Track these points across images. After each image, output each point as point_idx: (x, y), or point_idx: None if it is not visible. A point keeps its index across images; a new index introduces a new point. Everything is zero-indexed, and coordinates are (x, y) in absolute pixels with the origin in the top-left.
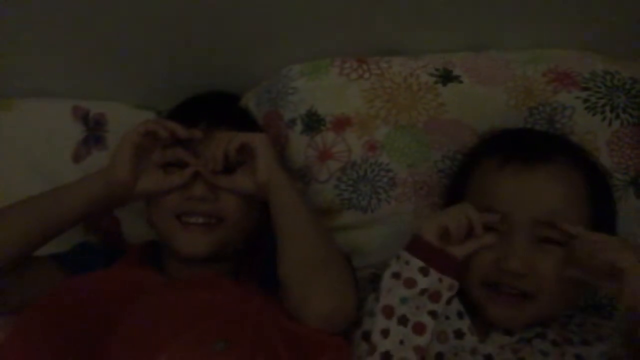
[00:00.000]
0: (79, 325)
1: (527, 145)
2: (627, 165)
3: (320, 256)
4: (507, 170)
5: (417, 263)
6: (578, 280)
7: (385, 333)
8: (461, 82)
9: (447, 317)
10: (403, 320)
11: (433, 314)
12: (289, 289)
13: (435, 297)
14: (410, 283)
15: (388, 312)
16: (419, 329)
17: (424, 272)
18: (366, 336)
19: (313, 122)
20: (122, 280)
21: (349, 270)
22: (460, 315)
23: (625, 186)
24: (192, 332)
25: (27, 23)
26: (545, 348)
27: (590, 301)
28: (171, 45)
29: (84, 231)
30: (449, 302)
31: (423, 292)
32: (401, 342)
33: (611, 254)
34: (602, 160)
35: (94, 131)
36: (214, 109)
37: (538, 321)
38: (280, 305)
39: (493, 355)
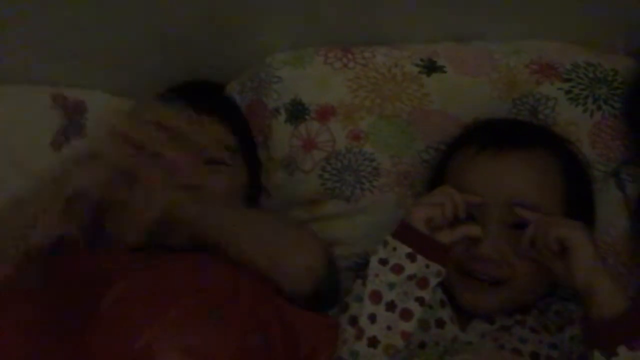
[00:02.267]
0: (57, 305)
1: (503, 133)
2: (607, 156)
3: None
4: (481, 156)
5: (405, 249)
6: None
7: (372, 318)
8: (445, 72)
9: (430, 307)
10: (391, 306)
11: (420, 300)
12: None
13: (422, 283)
14: (397, 269)
15: (376, 297)
16: (406, 315)
17: (411, 258)
18: (353, 321)
19: (297, 112)
20: (100, 261)
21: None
22: (442, 304)
23: (605, 177)
24: (186, 302)
25: (5, 8)
26: (525, 335)
27: (572, 290)
28: (152, 32)
29: None
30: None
31: (410, 278)
32: (388, 327)
33: (562, 230)
34: (584, 152)
35: (73, 119)
36: (199, 97)
37: (514, 307)
38: (271, 283)
39: (473, 343)
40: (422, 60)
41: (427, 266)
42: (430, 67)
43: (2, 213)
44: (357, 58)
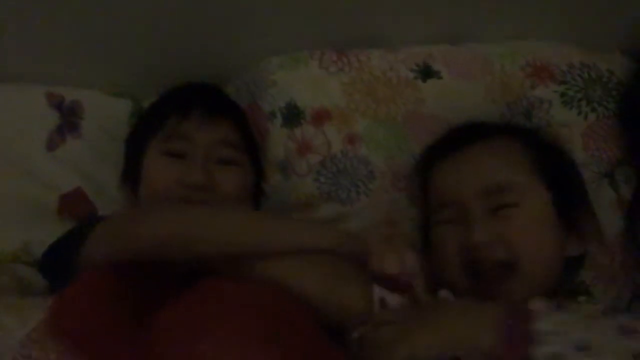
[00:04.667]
0: (136, 296)
1: (455, 136)
2: (601, 157)
3: None
4: (444, 163)
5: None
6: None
7: None
8: (441, 77)
9: None
10: None
11: None
12: None
13: None
14: None
15: None
16: None
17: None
18: None
19: (292, 115)
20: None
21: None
22: None
23: (599, 177)
24: (248, 321)
25: (1, 7)
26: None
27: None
28: (149, 33)
29: (58, 216)
30: None
31: None
32: None
33: None
34: (577, 153)
35: (68, 118)
36: (206, 96)
37: (541, 290)
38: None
39: None
40: (417, 65)
41: None
42: (426, 72)
43: None
44: (352, 62)
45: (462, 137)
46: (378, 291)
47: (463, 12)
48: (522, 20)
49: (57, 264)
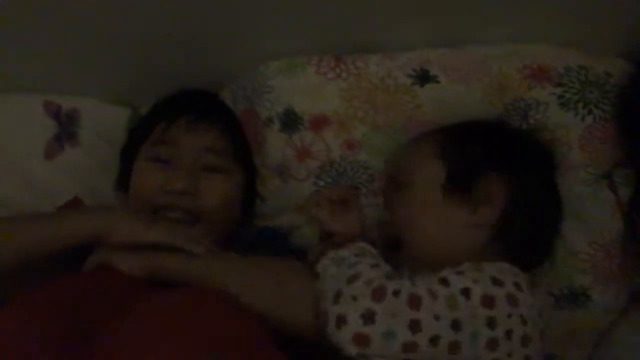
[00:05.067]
0: (73, 318)
1: None
2: (598, 159)
3: None
4: None
5: None
6: None
7: None
8: (438, 82)
9: None
10: None
11: None
12: None
13: None
14: None
15: None
16: None
17: None
18: None
19: (291, 121)
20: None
21: None
22: None
23: (597, 180)
24: (185, 340)
25: None
26: None
27: (567, 291)
28: (146, 40)
29: None
30: None
31: None
32: None
33: None
34: (574, 155)
35: (66, 127)
36: (196, 103)
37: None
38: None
39: None
40: (414, 70)
41: None
42: (424, 78)
43: None
44: (350, 68)
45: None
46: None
47: (460, 15)
48: (519, 22)
49: None
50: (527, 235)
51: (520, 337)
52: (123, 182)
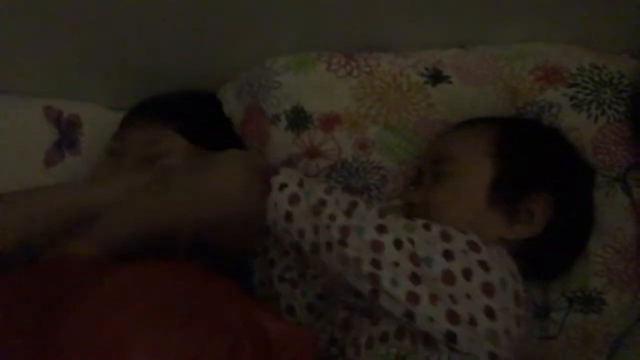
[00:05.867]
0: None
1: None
2: (612, 161)
3: None
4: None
5: None
6: None
7: None
8: (451, 82)
9: None
10: None
11: None
12: None
13: None
14: None
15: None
16: None
17: None
18: None
19: (299, 119)
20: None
21: None
22: None
23: (611, 182)
24: (153, 298)
25: None
26: None
27: (580, 294)
28: (148, 42)
29: None
30: None
31: None
32: None
33: None
34: (587, 157)
35: (67, 134)
36: (154, 100)
37: None
38: (243, 291)
39: None
40: (427, 69)
41: None
42: (436, 77)
43: None
44: (362, 66)
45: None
46: None
47: (472, 15)
48: (531, 23)
49: None
50: (553, 255)
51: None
52: None
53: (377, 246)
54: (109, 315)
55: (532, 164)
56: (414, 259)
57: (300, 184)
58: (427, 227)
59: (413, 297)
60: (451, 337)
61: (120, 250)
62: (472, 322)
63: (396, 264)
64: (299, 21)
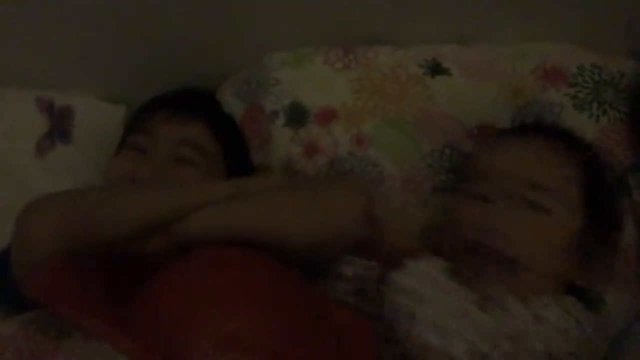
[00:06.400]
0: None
1: (526, 125)
2: (613, 162)
3: None
4: (504, 139)
5: None
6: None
7: None
8: (450, 74)
9: None
10: None
11: None
12: None
13: None
14: None
15: None
16: None
17: None
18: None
19: (297, 115)
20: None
21: None
22: None
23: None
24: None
25: None
26: None
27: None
28: (143, 34)
29: None
30: None
31: None
32: None
33: None
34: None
35: (59, 124)
36: (180, 97)
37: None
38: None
39: None
40: (426, 61)
41: None
42: (435, 69)
43: None
44: (360, 58)
45: (525, 128)
46: None
47: (472, 13)
48: (531, 21)
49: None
50: None
51: None
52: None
53: None
54: (185, 287)
55: (617, 212)
56: None
57: None
58: None
59: None
60: None
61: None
62: None
63: None
64: (297, 17)
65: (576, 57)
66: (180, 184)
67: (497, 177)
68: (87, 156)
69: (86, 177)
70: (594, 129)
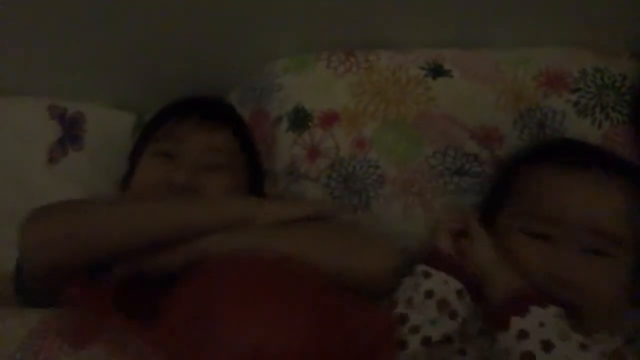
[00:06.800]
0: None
1: (587, 154)
2: None
3: None
4: (559, 174)
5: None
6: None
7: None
8: (452, 76)
9: None
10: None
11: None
12: None
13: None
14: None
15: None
16: None
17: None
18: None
19: (300, 119)
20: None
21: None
22: None
23: None
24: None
25: (4, 19)
26: None
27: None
28: (151, 44)
29: None
30: None
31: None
32: None
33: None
34: None
35: (70, 131)
36: (205, 104)
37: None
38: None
39: None
40: (427, 63)
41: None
42: (437, 71)
43: None
44: (361, 62)
45: (582, 156)
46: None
47: (473, 17)
48: (532, 25)
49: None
50: None
51: None
52: (127, 180)
53: None
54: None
55: None
56: None
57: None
58: None
59: None
60: None
61: None
62: None
63: None
64: (300, 24)
65: (578, 60)
66: (214, 199)
67: (564, 220)
68: (98, 163)
69: (97, 183)
70: (597, 134)
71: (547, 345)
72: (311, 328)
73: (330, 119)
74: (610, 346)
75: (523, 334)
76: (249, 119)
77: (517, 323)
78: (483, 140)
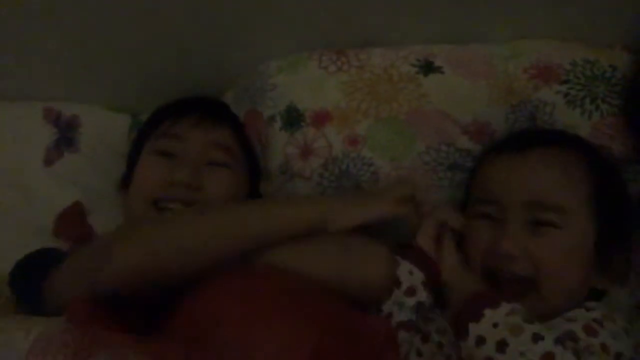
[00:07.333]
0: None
1: (521, 135)
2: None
3: None
4: (500, 157)
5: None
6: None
7: None
8: (443, 72)
9: None
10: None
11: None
12: None
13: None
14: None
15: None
16: None
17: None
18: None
19: (292, 118)
20: None
21: None
22: None
23: None
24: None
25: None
26: None
27: None
28: (146, 45)
29: (52, 238)
30: None
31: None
32: None
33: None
34: None
35: (66, 133)
36: (203, 102)
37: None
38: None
39: None
40: (418, 60)
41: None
42: (428, 67)
43: None
44: (352, 60)
45: (522, 139)
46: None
47: (464, 12)
48: (522, 18)
49: (29, 286)
50: None
51: None
52: (126, 180)
53: None
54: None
55: (626, 218)
56: None
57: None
58: None
59: None
60: None
61: None
62: None
63: None
64: (292, 23)
65: (568, 53)
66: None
67: (503, 198)
68: (93, 164)
69: (93, 185)
70: (587, 125)
71: (501, 346)
72: (321, 345)
73: (321, 118)
74: (576, 324)
75: (480, 340)
76: (244, 118)
77: (474, 329)
78: (475, 136)
